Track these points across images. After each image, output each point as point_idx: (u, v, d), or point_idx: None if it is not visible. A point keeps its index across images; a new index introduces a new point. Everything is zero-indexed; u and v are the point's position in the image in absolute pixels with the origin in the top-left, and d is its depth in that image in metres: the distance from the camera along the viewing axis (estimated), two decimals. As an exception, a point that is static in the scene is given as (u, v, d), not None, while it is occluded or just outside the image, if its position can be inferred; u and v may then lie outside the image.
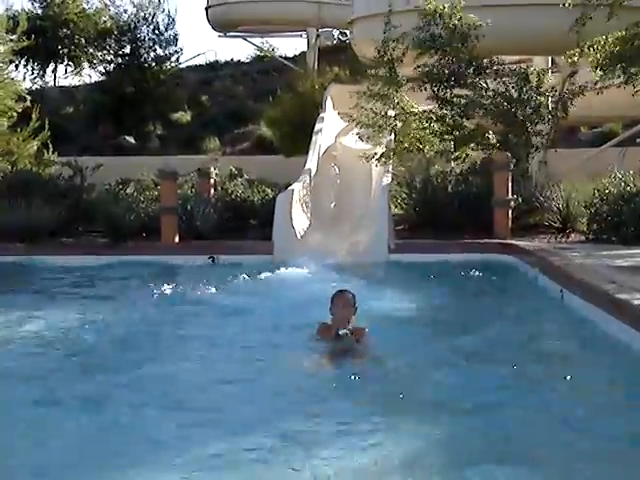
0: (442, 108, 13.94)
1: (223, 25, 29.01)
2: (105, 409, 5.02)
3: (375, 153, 13.97)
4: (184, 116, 28.36)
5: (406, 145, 13.99)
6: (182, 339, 6.99)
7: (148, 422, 4.74)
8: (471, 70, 13.91)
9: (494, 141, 13.76)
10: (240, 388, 5.45)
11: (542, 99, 13.78)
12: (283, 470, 4.01)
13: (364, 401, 5.07)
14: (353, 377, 5.52)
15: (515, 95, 13.64)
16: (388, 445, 4.24)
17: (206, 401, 5.17)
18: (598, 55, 12.59)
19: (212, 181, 14.34)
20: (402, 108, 14.04)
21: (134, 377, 5.70)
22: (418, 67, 13.93)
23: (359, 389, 5.37)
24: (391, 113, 14.17)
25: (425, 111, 14.13)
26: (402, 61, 13.98)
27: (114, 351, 6.72)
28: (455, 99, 13.86)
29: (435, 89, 13.85)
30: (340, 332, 6.04)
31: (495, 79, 13.93)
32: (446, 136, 13.87)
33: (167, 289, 8.98)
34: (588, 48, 12.74)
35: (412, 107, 14.08)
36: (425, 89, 13.91)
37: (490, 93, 13.76)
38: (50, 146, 16.14)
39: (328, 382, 5.56)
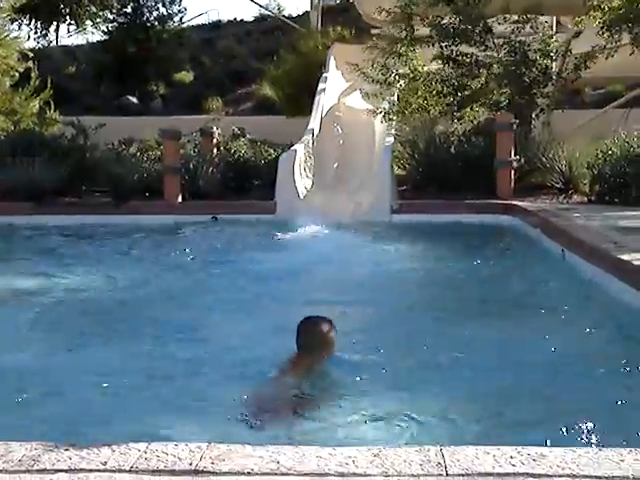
0: (448, 66, 13.80)
1: (226, -16, 28.75)
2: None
3: (382, 109, 13.90)
4: (187, 76, 28.17)
5: (411, 104, 13.91)
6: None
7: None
8: (479, 28, 13.72)
9: (499, 101, 13.69)
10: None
11: (548, 61, 13.67)
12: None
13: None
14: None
15: (520, 57, 13.51)
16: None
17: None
18: (604, 16, 12.49)
19: (215, 141, 14.33)
20: (412, 67, 13.92)
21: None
22: (429, 23, 13.69)
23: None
24: (400, 71, 14.05)
25: (431, 72, 14.03)
26: (422, 19, 13.77)
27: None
28: (461, 57, 13.73)
29: (443, 46, 13.69)
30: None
31: (503, 40, 13.77)
32: (450, 97, 13.79)
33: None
34: (594, 9, 12.63)
35: (420, 66, 13.97)
36: (433, 45, 13.74)
37: (497, 53, 13.63)
38: (52, 105, 16.08)
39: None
